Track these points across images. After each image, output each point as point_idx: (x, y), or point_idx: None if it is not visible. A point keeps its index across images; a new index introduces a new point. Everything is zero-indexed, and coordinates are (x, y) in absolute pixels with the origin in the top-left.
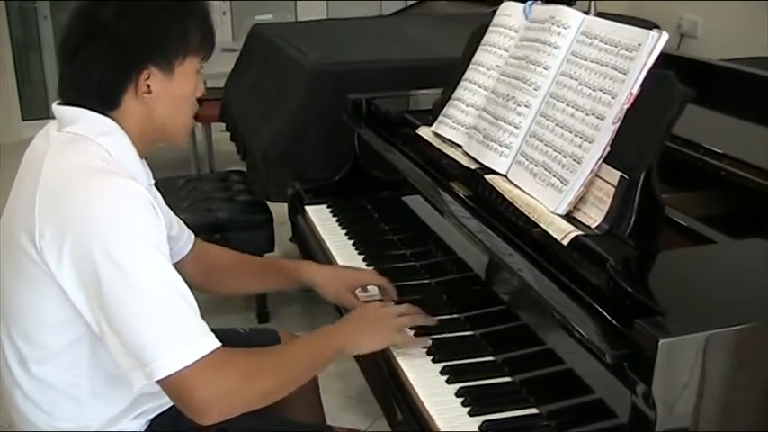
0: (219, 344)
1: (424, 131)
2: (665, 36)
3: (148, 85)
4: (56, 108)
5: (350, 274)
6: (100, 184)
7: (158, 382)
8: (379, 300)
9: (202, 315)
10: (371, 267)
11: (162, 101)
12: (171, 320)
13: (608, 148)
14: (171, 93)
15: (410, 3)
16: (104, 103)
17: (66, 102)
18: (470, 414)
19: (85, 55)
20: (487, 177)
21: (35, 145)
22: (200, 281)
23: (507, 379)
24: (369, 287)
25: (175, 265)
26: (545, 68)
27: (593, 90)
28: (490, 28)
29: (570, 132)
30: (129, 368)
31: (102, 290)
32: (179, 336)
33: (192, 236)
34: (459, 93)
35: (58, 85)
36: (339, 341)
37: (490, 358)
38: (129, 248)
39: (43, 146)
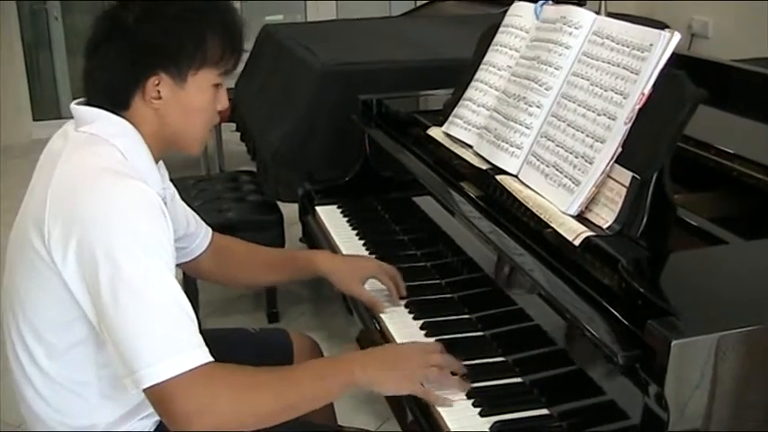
0: (211, 359)
1: (434, 132)
2: (677, 36)
3: (158, 91)
4: (73, 107)
5: (361, 265)
6: (110, 184)
7: (143, 390)
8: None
9: (213, 315)
10: None
11: (173, 109)
12: (164, 329)
13: (619, 149)
14: (183, 102)
15: (420, 3)
16: (112, 101)
17: (85, 100)
18: (481, 415)
19: (102, 54)
20: (498, 178)
21: (52, 144)
22: (217, 274)
23: (518, 380)
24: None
25: (194, 261)
26: (556, 68)
27: (605, 90)
28: (501, 28)
29: (582, 133)
30: (121, 374)
31: (100, 291)
32: (169, 345)
33: (210, 231)
34: (469, 93)
35: (82, 82)
36: (353, 372)
37: (501, 359)
38: (131, 252)
39: (60, 145)
